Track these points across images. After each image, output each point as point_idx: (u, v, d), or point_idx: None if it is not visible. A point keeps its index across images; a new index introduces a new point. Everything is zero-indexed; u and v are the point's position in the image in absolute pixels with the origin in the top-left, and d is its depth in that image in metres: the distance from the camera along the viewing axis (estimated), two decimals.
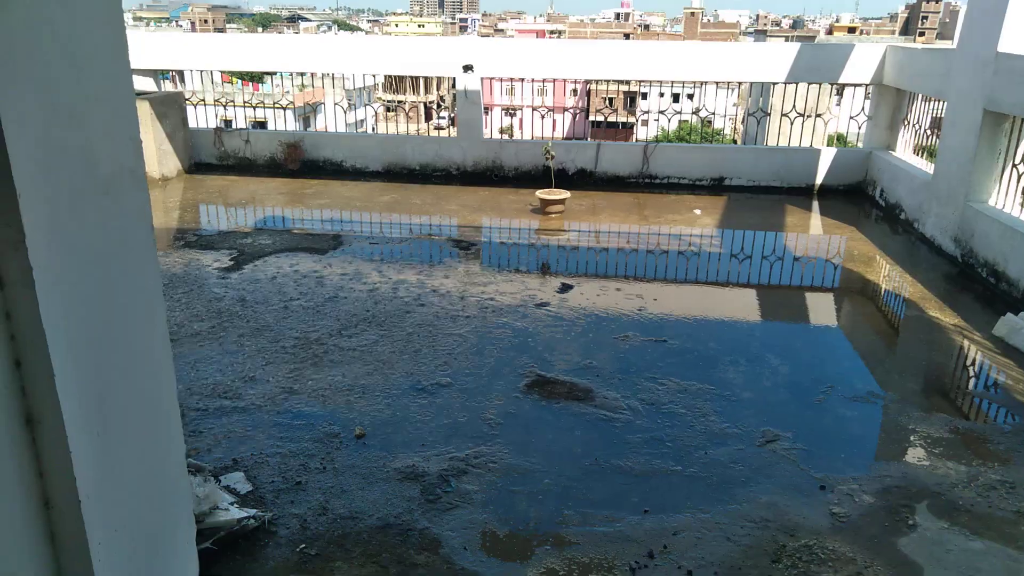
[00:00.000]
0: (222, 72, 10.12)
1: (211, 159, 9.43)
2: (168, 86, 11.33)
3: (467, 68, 8.50)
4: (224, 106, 9.60)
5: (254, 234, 6.69)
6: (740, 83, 8.56)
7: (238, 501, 2.95)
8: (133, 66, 6.68)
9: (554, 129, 9.89)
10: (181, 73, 12.01)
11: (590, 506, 3.02)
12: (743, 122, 8.26)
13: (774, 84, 8.45)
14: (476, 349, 4.41)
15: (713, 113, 9.18)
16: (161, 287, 1.91)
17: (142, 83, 9.39)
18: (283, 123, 10.66)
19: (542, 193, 7.37)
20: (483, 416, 3.68)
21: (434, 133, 10.46)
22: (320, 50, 9.40)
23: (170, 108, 8.81)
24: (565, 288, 5.45)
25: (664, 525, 2.91)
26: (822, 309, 5.49)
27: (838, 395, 3.97)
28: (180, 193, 8.27)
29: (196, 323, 4.71)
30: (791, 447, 3.46)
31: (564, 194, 7.35)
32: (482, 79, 8.92)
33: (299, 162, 9.23)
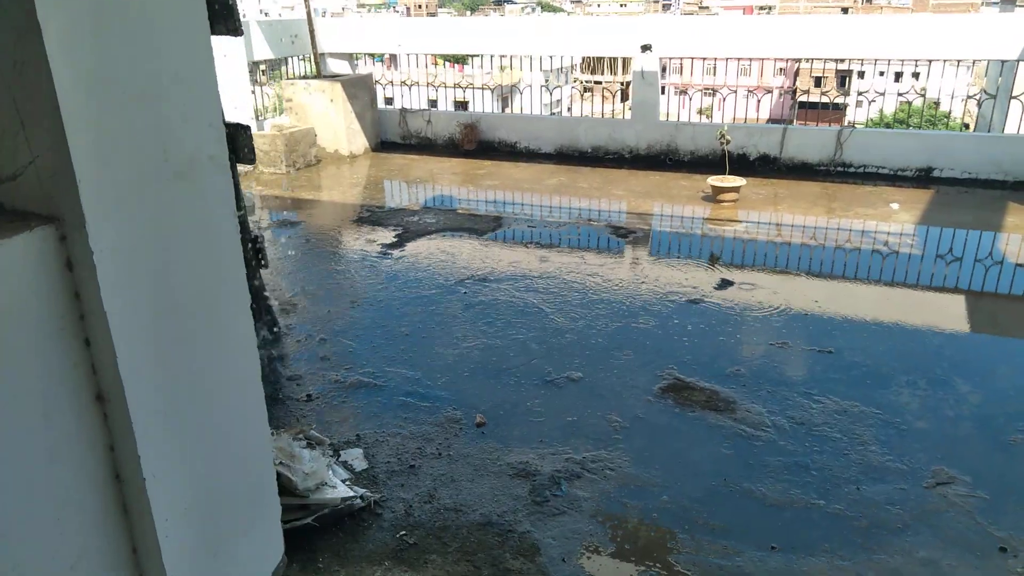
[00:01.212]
0: (432, 55, 10.46)
1: (396, 138, 9.86)
2: (379, 68, 11.93)
3: (645, 48, 8.13)
4: (410, 87, 9.96)
5: (421, 212, 6.88)
6: (959, 61, 7.43)
7: (351, 478, 3.01)
8: (332, 50, 7.09)
9: (757, 110, 9.22)
10: (395, 56, 12.57)
11: (709, 533, 2.73)
12: (979, 105, 7.15)
13: (1003, 62, 7.24)
14: (614, 343, 4.19)
15: (923, 95, 8.07)
16: (243, 272, 1.89)
17: (337, 66, 9.99)
18: (483, 104, 10.77)
19: (714, 180, 6.90)
20: (609, 417, 3.47)
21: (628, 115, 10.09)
22: (500, 30, 9.47)
23: (360, 90, 9.30)
24: (725, 284, 5.05)
25: (792, 567, 2.56)
26: None
27: None
28: (364, 170, 8.72)
29: (349, 296, 4.90)
30: (968, 494, 2.91)
31: (739, 181, 6.83)
32: (660, 58, 8.51)
33: (475, 142, 9.39)
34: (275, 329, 4.32)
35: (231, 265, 1.84)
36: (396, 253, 5.76)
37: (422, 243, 5.98)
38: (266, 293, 4.23)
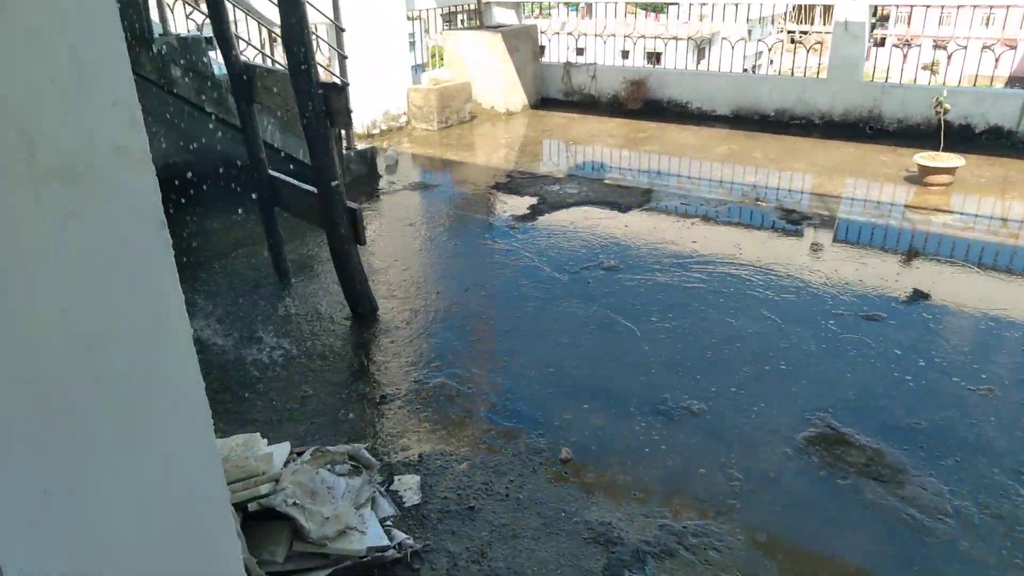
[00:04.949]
0: (626, 3, 9.70)
1: (558, 95, 9.23)
2: (573, 17, 11.33)
3: None
4: (577, 38, 9.24)
5: (564, 181, 6.25)
6: None
7: (396, 515, 2.55)
8: None
9: (995, 68, 7.59)
10: (590, 6, 11.96)
11: None
12: None
13: None
14: (756, 368, 3.38)
15: None
16: (176, 286, 1.44)
17: (503, 16, 9.46)
18: (682, 58, 9.89)
19: (922, 158, 5.62)
20: (729, 472, 2.74)
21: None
22: None
23: (522, 41, 8.72)
24: (918, 296, 4.00)
25: None
26: None
27: None
28: (517, 129, 8.20)
29: (460, 279, 4.43)
30: None
31: (955, 161, 5.51)
32: (877, 5, 7.13)
33: (641, 101, 8.52)
34: (371, 311, 3.96)
35: (154, 283, 1.38)
36: (525, 227, 5.21)
37: (555, 217, 5.38)
38: (361, 272, 3.86)
